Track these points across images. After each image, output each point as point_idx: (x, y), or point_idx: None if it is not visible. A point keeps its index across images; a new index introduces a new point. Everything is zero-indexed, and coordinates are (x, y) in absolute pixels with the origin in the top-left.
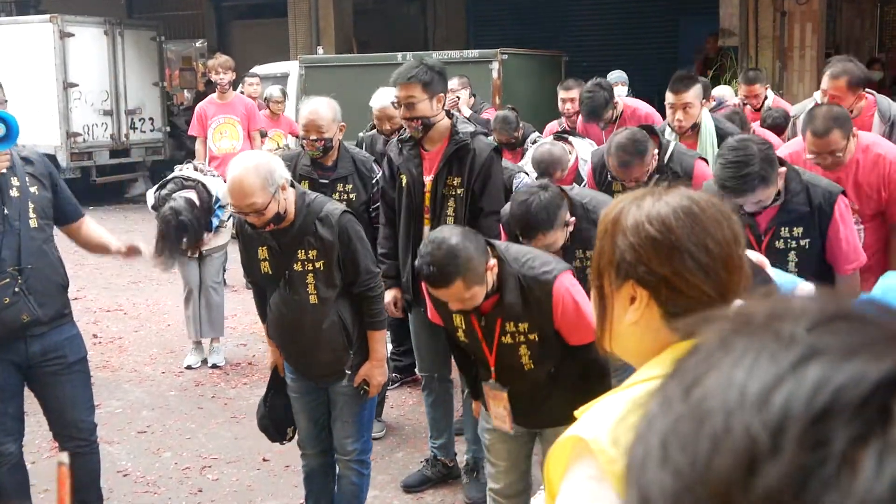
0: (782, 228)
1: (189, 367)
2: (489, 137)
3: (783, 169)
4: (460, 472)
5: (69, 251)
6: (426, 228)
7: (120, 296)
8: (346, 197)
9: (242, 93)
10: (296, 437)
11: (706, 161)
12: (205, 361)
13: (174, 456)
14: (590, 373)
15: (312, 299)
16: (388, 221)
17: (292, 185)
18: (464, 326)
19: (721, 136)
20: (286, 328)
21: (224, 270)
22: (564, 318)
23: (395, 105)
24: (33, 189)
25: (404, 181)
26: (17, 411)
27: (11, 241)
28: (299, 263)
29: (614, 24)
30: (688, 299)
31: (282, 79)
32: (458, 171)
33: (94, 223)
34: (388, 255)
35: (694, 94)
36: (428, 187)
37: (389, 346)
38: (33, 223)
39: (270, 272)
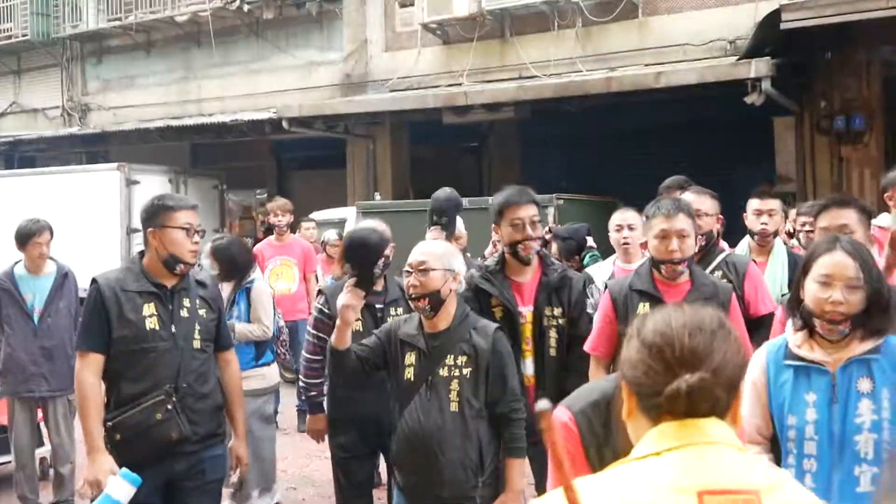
0: None
1: None
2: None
3: None
4: None
5: None
6: (527, 361)
7: None
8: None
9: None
10: None
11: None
12: None
13: None
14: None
15: (454, 406)
16: None
17: (464, 303)
18: None
19: (793, 262)
20: (419, 439)
21: (276, 413)
22: None
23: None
24: (202, 312)
25: (499, 313)
26: None
27: (174, 360)
28: (446, 368)
29: (666, 171)
30: (639, 385)
31: (339, 224)
32: (557, 302)
33: (234, 384)
34: None
35: (777, 203)
36: (528, 318)
37: None
38: (196, 344)
39: (412, 378)
